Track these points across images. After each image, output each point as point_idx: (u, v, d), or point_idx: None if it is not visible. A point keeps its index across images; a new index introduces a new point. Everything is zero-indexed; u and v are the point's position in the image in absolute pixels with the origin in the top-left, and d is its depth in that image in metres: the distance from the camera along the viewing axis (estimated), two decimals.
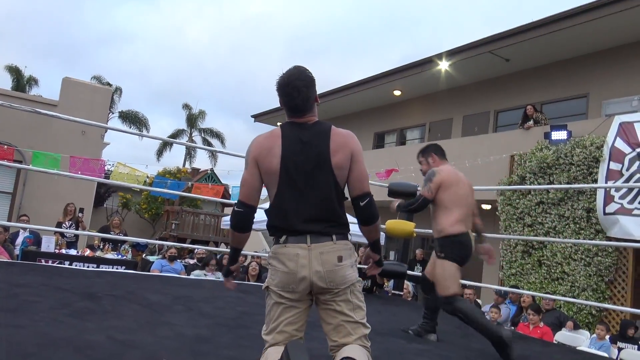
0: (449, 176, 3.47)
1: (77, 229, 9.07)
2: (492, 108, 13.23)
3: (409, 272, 5.85)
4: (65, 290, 3.32)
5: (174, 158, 72.14)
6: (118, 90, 26.62)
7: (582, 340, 6.43)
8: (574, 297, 7.92)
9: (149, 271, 8.26)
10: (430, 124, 15.06)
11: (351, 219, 2.21)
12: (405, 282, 7.21)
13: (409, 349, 3.02)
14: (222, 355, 2.27)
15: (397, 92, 15.18)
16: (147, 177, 8.91)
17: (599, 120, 9.12)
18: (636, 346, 6.49)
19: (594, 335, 6.61)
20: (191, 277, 6.83)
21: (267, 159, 2.12)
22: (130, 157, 58.53)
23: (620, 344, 6.44)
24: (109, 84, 24.72)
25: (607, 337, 6.49)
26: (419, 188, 5.60)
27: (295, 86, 2.12)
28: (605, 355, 5.61)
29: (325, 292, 2.07)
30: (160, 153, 28.99)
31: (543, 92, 11.94)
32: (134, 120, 26.41)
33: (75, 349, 2.05)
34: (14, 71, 24.56)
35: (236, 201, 2.23)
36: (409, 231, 5.39)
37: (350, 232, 2.16)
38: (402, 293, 6.11)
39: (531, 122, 10.27)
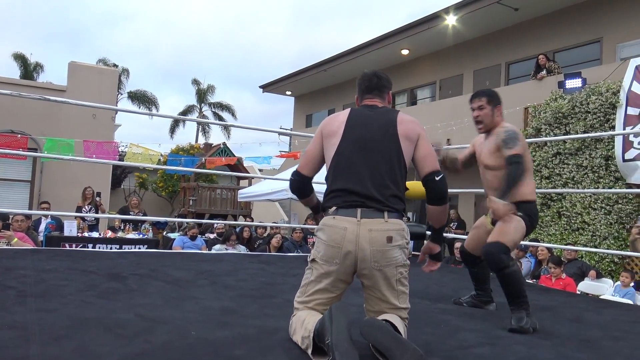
0: (525, 143, 2.98)
1: (96, 212, 9.19)
2: (503, 60, 12.99)
3: (427, 232, 5.84)
4: (91, 272, 3.38)
5: (187, 134, 72.24)
6: (125, 71, 26.55)
7: (605, 288, 6.41)
8: (595, 247, 7.88)
9: (170, 248, 8.39)
10: (441, 81, 14.85)
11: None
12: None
13: (434, 309, 3.03)
14: (248, 325, 2.30)
15: (404, 52, 14.96)
16: (161, 155, 8.94)
17: (614, 65, 8.91)
18: None
19: (618, 282, 6.59)
20: (212, 252, 6.91)
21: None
22: (142, 136, 58.95)
23: None
24: (116, 66, 24.67)
25: (632, 284, 6.47)
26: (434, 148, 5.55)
27: (377, 74, 2.31)
28: (630, 302, 5.61)
29: (369, 275, 2.04)
30: (172, 130, 29.08)
31: (554, 40, 11.66)
32: (143, 99, 26.42)
33: (106, 328, 2.09)
34: (20, 59, 24.56)
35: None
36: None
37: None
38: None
39: (544, 72, 10.07)
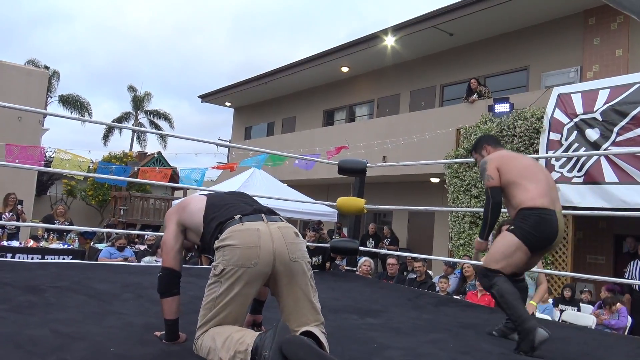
0: (501, 157, 3.02)
1: (17, 220, 8.70)
2: (438, 82, 13.48)
3: (361, 247, 5.93)
4: (5, 284, 3.18)
5: (123, 142, 70.01)
6: (56, 73, 25.46)
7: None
8: None
9: (97, 260, 8.04)
10: (379, 99, 15.20)
11: (299, 196, 2.25)
12: (366, 258, 7.33)
13: (361, 325, 3.06)
14: (172, 344, 2.24)
15: (344, 69, 15.21)
16: (92, 162, 8.60)
17: (539, 92, 9.45)
18: (576, 308, 6.85)
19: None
20: (141, 263, 6.69)
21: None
22: (73, 142, 56.51)
23: (562, 307, 6.78)
24: (47, 67, 23.61)
25: (550, 300, 6.81)
26: (367, 164, 5.66)
27: None
28: (549, 317, 5.90)
29: (287, 269, 2.08)
30: (106, 137, 28.09)
31: (486, 66, 12.24)
32: (75, 104, 25.43)
33: (16, 345, 1.97)
34: None
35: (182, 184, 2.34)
36: (360, 207, 5.48)
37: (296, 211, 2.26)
38: (355, 269, 6.19)
39: (475, 96, 10.53)
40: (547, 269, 8.09)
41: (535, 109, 8.73)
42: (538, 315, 5.81)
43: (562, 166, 8.14)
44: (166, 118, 29.30)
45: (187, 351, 2.11)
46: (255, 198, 2.55)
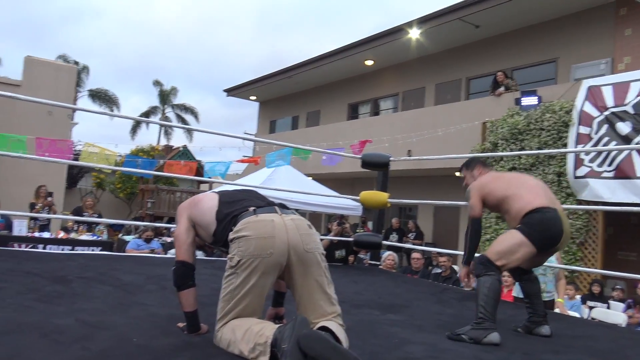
0: (482, 182, 3.10)
1: (49, 212, 8.91)
2: (464, 75, 13.29)
3: (385, 241, 5.90)
4: (34, 274, 3.26)
5: (150, 135, 71.10)
6: (85, 68, 25.94)
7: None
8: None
9: (124, 251, 8.19)
10: (404, 93, 15.08)
11: (323, 190, 2.26)
12: (390, 252, 7.30)
13: (383, 320, 3.05)
14: (193, 335, 2.26)
15: (369, 62, 15.12)
16: (119, 156, 8.74)
17: (568, 85, 9.23)
18: (606, 305, 6.70)
19: (565, 296, 6.79)
20: (167, 255, 6.78)
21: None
22: (101, 136, 57.56)
23: (590, 303, 6.64)
24: (76, 63, 24.07)
25: (578, 296, 6.69)
26: (391, 158, 5.62)
27: None
28: (577, 314, 5.79)
29: (302, 260, 2.10)
30: (134, 131, 28.56)
31: (513, 58, 12.02)
32: (104, 98, 25.89)
33: (42, 333, 2.02)
34: None
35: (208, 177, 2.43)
36: (383, 201, 5.45)
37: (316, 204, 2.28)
38: (379, 263, 6.17)
39: (502, 89, 10.35)
40: (576, 265, 7.93)
41: (564, 101, 8.54)
42: (566, 311, 5.71)
43: (591, 160, 7.95)
44: (192, 112, 29.66)
45: (208, 342, 2.13)
46: (280, 191, 2.59)
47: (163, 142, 28.12)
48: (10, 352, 1.77)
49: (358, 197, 5.62)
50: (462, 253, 3.17)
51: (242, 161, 8.75)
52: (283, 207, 2.27)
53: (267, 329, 1.93)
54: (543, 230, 2.79)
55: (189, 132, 28.24)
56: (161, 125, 29.24)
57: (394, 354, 2.28)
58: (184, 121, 29.14)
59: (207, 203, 2.34)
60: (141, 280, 3.53)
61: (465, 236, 3.11)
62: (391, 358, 2.19)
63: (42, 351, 1.82)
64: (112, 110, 25.55)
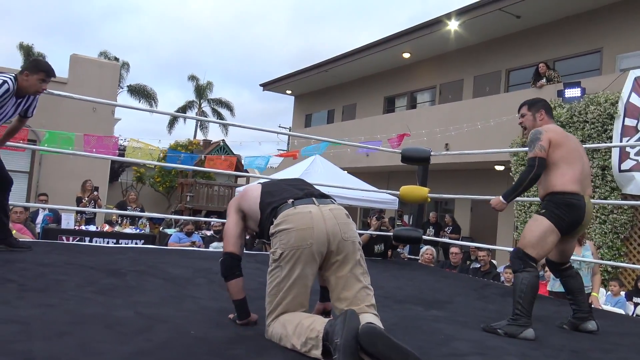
0: (556, 133, 2.97)
1: (94, 206, 9.22)
2: (503, 67, 13.06)
3: (424, 236, 5.89)
4: (89, 267, 3.41)
5: (187, 129, 72.30)
6: (125, 64, 26.55)
7: (598, 298, 6.47)
8: None
9: (167, 244, 8.42)
10: (441, 85, 14.92)
11: (360, 184, 2.30)
12: (429, 246, 7.29)
13: (427, 316, 3.08)
14: (246, 328, 2.35)
15: (406, 55, 15.00)
16: (161, 151, 8.97)
17: (613, 76, 8.98)
18: None
19: (609, 292, 6.66)
20: (210, 249, 6.95)
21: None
22: (141, 130, 58.84)
23: (636, 300, 6.49)
24: (116, 59, 24.67)
25: (622, 293, 6.54)
26: (432, 152, 5.60)
27: None
28: (622, 311, 5.68)
29: (340, 248, 2.15)
30: (171, 125, 29.10)
31: (555, 49, 11.74)
32: (143, 94, 26.45)
33: (106, 325, 2.13)
34: (25, 49, 24.51)
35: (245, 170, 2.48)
36: (424, 196, 5.45)
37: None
38: (418, 258, 6.17)
39: (544, 81, 10.14)
40: (620, 261, 7.75)
41: (609, 93, 8.31)
42: (609, 308, 5.61)
43: (637, 154, 7.73)
44: (227, 106, 29.99)
45: (261, 335, 2.21)
46: (316, 186, 2.62)
47: (200, 136, 28.61)
48: (80, 342, 1.88)
49: (398, 192, 5.64)
50: (501, 248, 3.18)
51: (281, 155, 8.85)
52: (322, 196, 2.32)
53: (317, 323, 1.99)
54: (567, 216, 2.84)
55: (225, 126, 28.61)
56: (197, 120, 29.67)
57: (441, 350, 2.31)
58: (219, 115, 29.53)
59: (252, 193, 2.43)
60: (189, 273, 3.65)
61: (523, 176, 2.91)
62: (439, 354, 2.23)
63: (109, 342, 1.92)
64: (150, 106, 26.08)
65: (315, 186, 2.54)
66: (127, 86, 26.51)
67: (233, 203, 2.53)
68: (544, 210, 2.88)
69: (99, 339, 1.95)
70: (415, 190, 5.47)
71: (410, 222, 7.66)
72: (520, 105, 3.27)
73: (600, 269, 8.05)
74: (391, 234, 5.88)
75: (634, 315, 6.01)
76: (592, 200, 3.02)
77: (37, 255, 3.66)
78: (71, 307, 2.38)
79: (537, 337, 2.70)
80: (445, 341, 2.48)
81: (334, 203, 2.29)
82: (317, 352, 1.92)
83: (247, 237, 2.69)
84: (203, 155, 8.42)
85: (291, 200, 2.23)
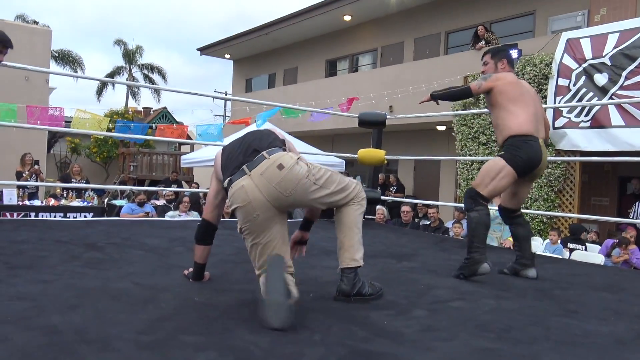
0: (508, 80, 3.11)
1: (36, 180, 8.88)
2: (443, 29, 13.38)
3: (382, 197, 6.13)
4: (65, 242, 3.39)
5: (115, 97, 69.36)
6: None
7: (536, 246, 7.02)
8: (527, 208, 8.52)
9: (118, 215, 8.28)
10: (382, 48, 15.10)
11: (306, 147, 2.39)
12: (380, 206, 7.57)
13: (401, 268, 3.30)
14: (242, 290, 2.46)
15: (347, 17, 15.03)
16: (110, 121, 8.69)
17: (546, 38, 9.46)
18: (584, 247, 7.16)
19: (547, 240, 7.22)
20: (166, 218, 6.92)
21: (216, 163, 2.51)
22: (68, 99, 55.85)
23: (570, 246, 7.09)
24: (36, 22, 23.13)
25: (559, 241, 7.12)
26: (387, 116, 5.80)
27: None
28: (559, 257, 6.20)
29: (292, 203, 2.23)
30: (100, 93, 27.84)
31: (491, 11, 12.14)
32: (68, 60, 25.00)
33: (112, 297, 2.18)
34: None
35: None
36: (381, 158, 5.66)
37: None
38: (374, 217, 6.43)
39: (482, 43, 10.51)
40: (555, 212, 8.38)
41: (544, 54, 8.78)
42: (549, 254, 6.11)
43: (569, 112, 8.28)
44: (160, 72, 28.91)
45: (258, 300, 2.33)
46: None
47: (131, 103, 27.60)
48: (95, 314, 1.94)
49: (355, 155, 5.82)
50: (448, 204, 3.39)
51: (234, 122, 8.79)
52: (253, 156, 2.24)
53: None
54: (524, 157, 2.96)
55: (157, 92, 27.68)
56: (130, 87, 28.50)
57: (426, 298, 2.53)
58: (151, 81, 28.41)
59: (217, 162, 2.46)
60: (165, 243, 3.69)
61: (457, 89, 3.29)
62: (425, 302, 2.44)
63: (123, 312, 1.99)
64: (76, 72, 24.83)
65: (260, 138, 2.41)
66: (52, 51, 25.01)
67: (213, 173, 2.55)
68: (502, 152, 3.02)
69: (112, 309, 2.01)
70: (372, 153, 5.66)
71: (367, 184, 7.91)
72: (483, 53, 3.42)
73: (537, 220, 8.70)
74: None
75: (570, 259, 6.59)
76: None
77: (7, 233, 3.59)
78: (68, 281, 2.41)
79: (504, 281, 2.99)
80: (426, 290, 2.70)
81: (266, 158, 2.20)
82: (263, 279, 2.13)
83: None
84: (154, 125, 8.22)
85: (228, 179, 2.26)
